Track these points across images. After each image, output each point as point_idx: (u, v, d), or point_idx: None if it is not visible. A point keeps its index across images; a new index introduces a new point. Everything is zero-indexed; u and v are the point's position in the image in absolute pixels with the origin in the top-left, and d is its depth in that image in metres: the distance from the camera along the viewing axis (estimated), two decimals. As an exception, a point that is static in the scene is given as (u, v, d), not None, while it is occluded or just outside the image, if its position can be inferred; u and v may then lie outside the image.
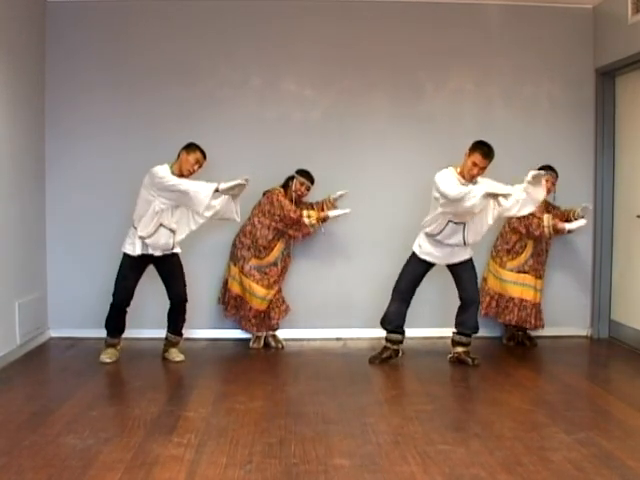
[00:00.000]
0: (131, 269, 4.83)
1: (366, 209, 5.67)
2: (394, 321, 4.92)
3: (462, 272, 4.84)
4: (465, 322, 4.89)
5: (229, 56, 5.64)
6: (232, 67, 5.65)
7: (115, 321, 4.90)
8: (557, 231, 5.24)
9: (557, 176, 5.34)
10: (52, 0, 5.50)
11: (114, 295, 4.85)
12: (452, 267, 4.87)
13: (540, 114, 5.79)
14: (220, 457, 3.17)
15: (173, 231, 4.80)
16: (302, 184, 5.30)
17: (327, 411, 3.86)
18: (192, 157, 4.77)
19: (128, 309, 4.94)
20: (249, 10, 5.62)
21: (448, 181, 4.52)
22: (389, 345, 4.98)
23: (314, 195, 5.52)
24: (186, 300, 4.99)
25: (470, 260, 4.85)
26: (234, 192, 4.63)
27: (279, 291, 5.45)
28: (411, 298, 4.93)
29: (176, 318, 5.01)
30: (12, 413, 3.75)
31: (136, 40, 5.58)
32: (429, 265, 4.87)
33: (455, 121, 5.75)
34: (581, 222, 5.27)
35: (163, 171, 4.69)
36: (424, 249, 4.80)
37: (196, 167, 4.80)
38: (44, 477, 2.93)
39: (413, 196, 5.60)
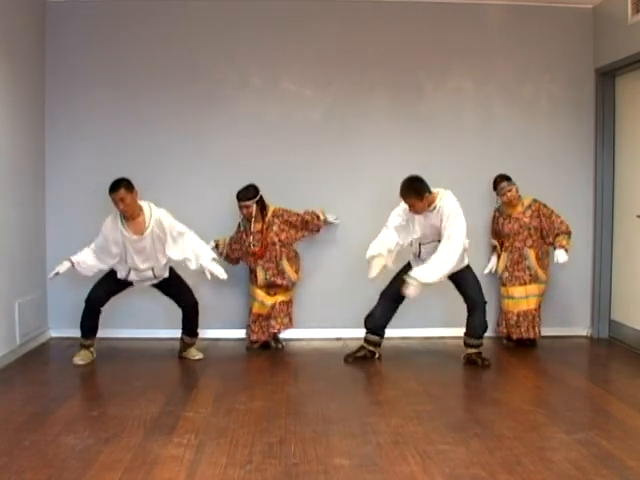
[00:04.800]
0: (115, 282, 4.84)
1: (367, 209, 5.67)
2: (376, 322, 4.97)
3: (460, 280, 4.83)
4: (470, 326, 4.91)
5: (229, 56, 5.64)
6: (232, 67, 5.65)
7: (87, 320, 4.85)
8: None
9: (511, 180, 5.36)
10: (52, 0, 5.51)
11: (89, 294, 4.81)
12: (450, 277, 4.85)
13: (540, 114, 5.79)
14: (220, 457, 3.17)
15: (151, 268, 4.79)
16: (240, 208, 5.23)
17: (327, 411, 3.86)
18: (114, 202, 4.58)
19: (103, 310, 4.90)
20: (249, 10, 5.62)
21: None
22: (365, 345, 5.02)
23: (317, 195, 5.53)
24: (196, 303, 5.00)
25: (466, 268, 4.82)
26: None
27: (282, 303, 5.37)
28: (398, 304, 4.93)
29: (190, 322, 5.02)
30: (12, 413, 3.75)
31: (136, 40, 5.58)
32: None
33: (455, 121, 5.75)
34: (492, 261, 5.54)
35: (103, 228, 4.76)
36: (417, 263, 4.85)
37: (121, 206, 4.56)
38: (44, 477, 2.93)
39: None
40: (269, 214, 5.27)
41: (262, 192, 5.32)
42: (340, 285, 5.70)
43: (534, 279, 5.36)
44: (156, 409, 3.85)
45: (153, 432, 3.48)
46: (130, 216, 4.63)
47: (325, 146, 5.69)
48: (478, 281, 4.89)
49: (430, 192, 4.64)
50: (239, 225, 5.37)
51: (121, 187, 4.53)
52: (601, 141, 5.74)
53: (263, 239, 5.25)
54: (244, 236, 5.30)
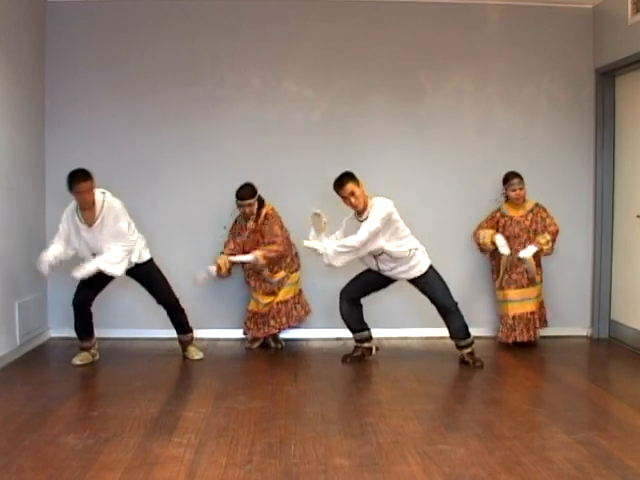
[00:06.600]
0: (93, 278, 4.74)
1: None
2: (349, 321, 4.96)
3: (424, 286, 4.79)
4: (450, 329, 4.89)
5: (229, 56, 5.64)
6: (232, 67, 5.65)
7: (79, 323, 4.82)
8: (493, 243, 5.27)
9: (523, 180, 5.31)
10: (52, 0, 5.51)
11: (73, 297, 4.78)
12: (411, 282, 4.84)
13: (540, 114, 5.79)
14: (220, 457, 3.17)
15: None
16: (240, 206, 5.19)
17: (327, 411, 3.86)
18: (75, 195, 4.53)
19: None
20: (249, 10, 5.62)
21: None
22: (358, 345, 5.02)
23: (317, 195, 5.53)
24: (176, 300, 4.97)
25: (427, 272, 4.74)
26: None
27: (280, 303, 5.36)
28: (357, 299, 4.92)
29: (176, 319, 5.01)
30: (12, 413, 3.75)
31: (136, 40, 5.58)
32: (385, 279, 4.86)
33: (455, 121, 5.75)
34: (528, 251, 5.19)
35: (61, 222, 4.63)
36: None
37: (86, 196, 4.52)
38: (44, 477, 2.93)
39: (413, 196, 5.61)
40: (263, 213, 5.23)
41: (262, 192, 5.32)
42: (339, 285, 5.69)
43: (532, 282, 5.35)
44: (156, 409, 3.85)
45: (153, 432, 3.48)
46: (88, 206, 4.57)
47: (325, 146, 5.68)
48: (444, 283, 4.78)
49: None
50: (235, 221, 5.35)
51: (87, 178, 4.49)
52: (601, 141, 5.74)
53: (255, 237, 5.25)
54: (241, 232, 5.28)
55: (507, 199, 5.39)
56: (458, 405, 4.16)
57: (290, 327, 5.47)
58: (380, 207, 4.54)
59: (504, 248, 5.20)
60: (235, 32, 5.62)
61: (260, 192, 5.31)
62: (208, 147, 5.65)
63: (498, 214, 5.41)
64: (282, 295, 5.35)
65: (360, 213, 4.63)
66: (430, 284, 4.76)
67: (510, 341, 5.35)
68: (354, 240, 4.51)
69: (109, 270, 4.59)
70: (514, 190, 5.28)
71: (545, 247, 5.20)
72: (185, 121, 5.60)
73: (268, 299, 5.32)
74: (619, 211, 5.69)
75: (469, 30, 5.71)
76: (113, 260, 4.59)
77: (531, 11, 5.72)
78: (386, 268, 4.76)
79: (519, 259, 5.21)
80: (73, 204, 4.66)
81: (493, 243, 5.26)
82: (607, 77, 5.68)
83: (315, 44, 5.67)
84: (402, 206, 5.61)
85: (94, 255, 4.66)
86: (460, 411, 4.02)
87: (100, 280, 4.78)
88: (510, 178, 5.30)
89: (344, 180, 4.60)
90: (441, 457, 3.18)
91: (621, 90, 5.65)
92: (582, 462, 3.10)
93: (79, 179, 4.48)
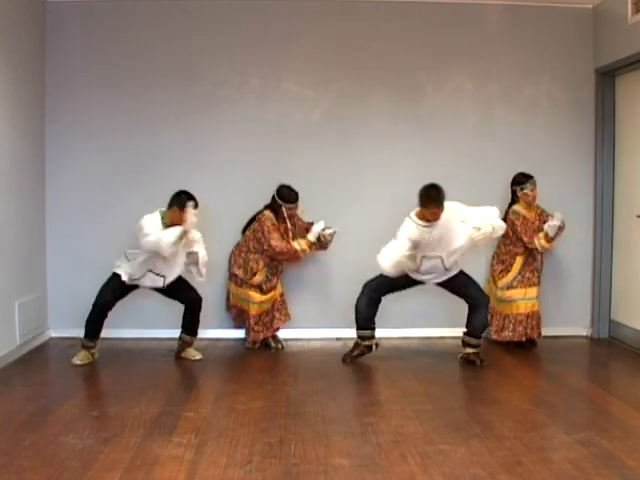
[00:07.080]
0: (120, 288, 4.83)
1: (366, 209, 5.67)
2: (361, 316, 4.93)
3: (458, 283, 4.84)
4: (472, 324, 4.89)
5: (229, 56, 5.64)
6: (232, 67, 5.65)
7: (94, 324, 4.84)
8: (549, 239, 5.20)
9: (535, 181, 5.30)
10: (52, 0, 5.51)
11: (97, 299, 4.81)
12: (442, 284, 4.88)
13: (540, 114, 5.79)
14: (220, 457, 3.17)
15: (163, 276, 4.82)
16: (290, 209, 5.21)
17: (327, 411, 3.86)
18: (187, 214, 4.66)
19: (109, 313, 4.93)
20: (249, 10, 5.63)
21: (392, 246, 4.61)
22: (360, 342, 4.98)
23: (312, 195, 5.52)
24: (201, 299, 5.02)
25: (461, 272, 4.84)
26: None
27: (281, 295, 5.45)
28: (381, 297, 4.93)
29: (192, 319, 5.03)
30: (12, 413, 3.75)
31: (136, 40, 5.58)
32: (414, 281, 4.88)
33: (455, 121, 5.75)
34: (554, 222, 5.19)
35: (149, 227, 4.60)
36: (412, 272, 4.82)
37: (193, 219, 4.72)
38: (44, 477, 2.93)
39: (414, 196, 5.59)
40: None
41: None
42: (340, 285, 5.70)
43: (539, 280, 5.38)
44: (156, 409, 3.85)
45: (153, 432, 3.48)
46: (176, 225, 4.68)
47: (325, 146, 5.68)
48: (475, 281, 4.92)
49: None
50: (261, 219, 5.23)
51: (197, 202, 4.69)
52: (601, 141, 5.74)
53: (286, 235, 5.26)
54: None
55: (515, 200, 5.34)
56: (458, 405, 4.16)
57: (288, 320, 5.48)
58: (461, 206, 4.72)
59: (559, 220, 5.20)
60: (235, 32, 5.62)
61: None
62: (208, 147, 5.65)
63: (522, 218, 5.29)
64: (279, 287, 5.44)
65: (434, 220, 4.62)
66: (463, 281, 4.84)
67: (524, 339, 5.34)
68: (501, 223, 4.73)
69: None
70: (532, 189, 5.26)
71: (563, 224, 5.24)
72: (185, 121, 5.60)
73: (268, 295, 5.33)
74: (619, 211, 5.69)
75: (469, 30, 5.71)
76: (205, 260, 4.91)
77: (531, 11, 5.73)
78: (426, 269, 4.75)
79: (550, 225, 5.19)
80: (156, 216, 4.69)
81: (548, 235, 5.19)
82: (607, 77, 5.68)
83: (315, 44, 5.67)
84: (402, 206, 5.62)
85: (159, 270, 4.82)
86: (460, 411, 4.02)
87: (127, 287, 4.85)
88: (526, 180, 5.27)
89: (442, 200, 4.55)
90: (441, 457, 3.18)
91: (621, 90, 5.65)
92: (582, 462, 3.10)
93: (196, 203, 4.70)
